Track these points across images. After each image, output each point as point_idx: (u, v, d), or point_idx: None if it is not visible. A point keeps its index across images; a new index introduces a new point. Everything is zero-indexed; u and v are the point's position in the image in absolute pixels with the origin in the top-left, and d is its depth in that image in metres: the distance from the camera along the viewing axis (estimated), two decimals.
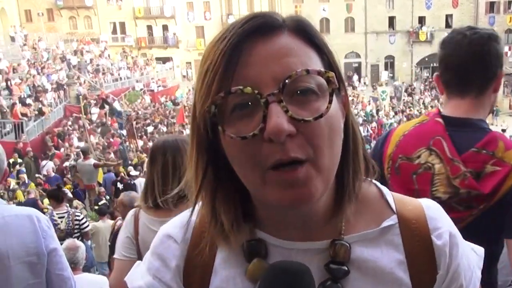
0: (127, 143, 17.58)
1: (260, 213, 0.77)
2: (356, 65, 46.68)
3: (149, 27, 45.73)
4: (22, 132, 17.44)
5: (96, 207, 9.93)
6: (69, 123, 21.02)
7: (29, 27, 38.91)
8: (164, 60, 43.71)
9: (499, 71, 1.62)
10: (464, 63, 1.59)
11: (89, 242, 6.68)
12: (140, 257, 2.22)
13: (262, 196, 0.68)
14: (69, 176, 13.19)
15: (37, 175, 13.70)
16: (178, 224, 0.83)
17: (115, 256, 2.29)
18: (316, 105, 0.65)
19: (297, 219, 0.75)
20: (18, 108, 18.65)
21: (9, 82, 21.53)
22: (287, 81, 0.64)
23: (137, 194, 5.55)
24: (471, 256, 0.82)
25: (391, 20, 44.56)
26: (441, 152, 1.57)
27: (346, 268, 0.74)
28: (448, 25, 42.86)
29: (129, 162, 15.00)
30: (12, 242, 1.87)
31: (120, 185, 12.30)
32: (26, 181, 12.38)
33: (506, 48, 45.33)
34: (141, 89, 33.00)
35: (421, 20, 44.36)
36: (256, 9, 45.75)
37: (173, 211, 2.18)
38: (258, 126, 0.64)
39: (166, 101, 32.52)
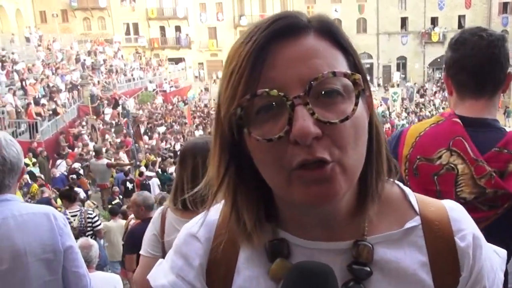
0: (136, 144, 17.68)
1: (283, 213, 0.77)
2: (368, 66, 46.38)
3: (162, 28, 46.01)
4: (37, 131, 17.64)
5: (110, 206, 9.99)
6: (83, 123, 21.22)
7: (43, 28, 39.36)
8: (177, 60, 43.94)
9: (508, 72, 1.65)
10: (482, 64, 1.61)
11: (102, 241, 6.72)
12: (164, 255, 2.25)
13: (288, 195, 0.68)
14: (73, 176, 13.22)
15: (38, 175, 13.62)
16: (201, 223, 0.83)
17: (141, 252, 2.34)
18: (342, 107, 0.65)
19: (320, 219, 0.74)
20: (33, 108, 18.86)
21: (24, 83, 21.79)
22: (313, 83, 0.63)
23: (150, 194, 5.59)
24: (494, 258, 0.81)
25: (403, 21, 44.31)
26: (464, 153, 1.56)
27: (369, 269, 0.73)
28: (460, 26, 42.44)
29: (137, 163, 15.03)
30: (30, 240, 1.89)
31: (129, 185, 12.41)
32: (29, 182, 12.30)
33: None
34: (153, 90, 33.22)
35: (434, 21, 44.03)
36: (268, 10, 45.92)
37: (200, 212, 2.22)
38: (283, 128, 0.64)
39: (179, 102, 32.70)
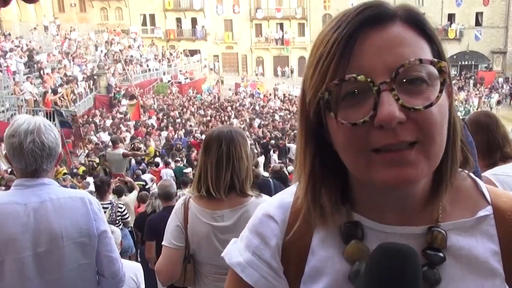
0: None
1: (358, 196, 0.80)
2: None
3: (178, 20, 46.03)
4: (54, 120, 17.82)
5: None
6: (97, 112, 21.35)
7: (61, 17, 39.61)
8: (192, 52, 43.99)
9: None
10: None
11: (127, 230, 6.78)
12: (187, 246, 2.29)
13: (368, 177, 0.70)
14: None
15: None
16: (277, 205, 0.86)
17: (164, 243, 2.32)
18: (426, 94, 0.67)
19: (395, 203, 0.76)
20: (50, 96, 19.05)
21: (41, 71, 22.02)
22: (399, 70, 0.66)
23: (172, 182, 5.62)
24: None
25: None
26: None
27: (443, 255, 0.75)
28: (478, 23, 41.85)
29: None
30: (66, 223, 1.93)
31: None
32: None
33: None
34: (168, 81, 33.32)
35: (451, 18, 43.38)
36: (284, 3, 45.70)
37: (224, 200, 2.25)
38: (368, 113, 0.66)
39: (196, 94, 32.73)
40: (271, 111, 27.55)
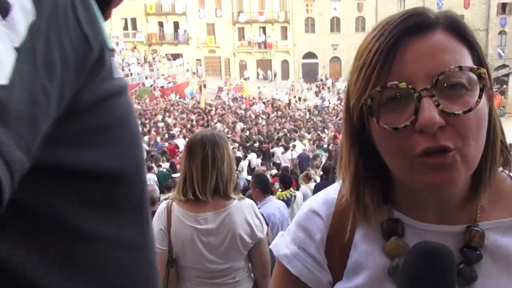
0: None
1: (399, 195, 0.84)
2: None
3: (160, 24, 45.92)
4: None
5: None
6: None
7: None
8: (175, 56, 43.88)
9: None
10: None
11: None
12: (170, 250, 2.28)
13: (410, 180, 0.74)
14: None
15: None
16: (322, 201, 0.91)
17: None
18: (466, 99, 0.70)
19: (435, 203, 0.80)
20: None
21: None
22: (440, 77, 0.68)
23: (155, 187, 5.59)
24: None
25: None
26: None
27: (479, 253, 0.78)
28: None
29: None
30: None
31: None
32: None
33: None
34: (151, 85, 33.16)
35: None
36: (267, 7, 45.89)
37: (208, 203, 2.25)
38: (409, 118, 0.69)
39: (179, 98, 32.65)
40: (254, 115, 27.58)
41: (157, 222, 2.30)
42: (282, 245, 0.91)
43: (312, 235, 0.89)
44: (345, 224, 0.86)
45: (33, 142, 0.42)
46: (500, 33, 43.97)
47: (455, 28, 0.74)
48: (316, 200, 0.93)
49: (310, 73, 45.43)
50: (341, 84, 39.78)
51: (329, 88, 42.35)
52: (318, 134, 20.94)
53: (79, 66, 0.47)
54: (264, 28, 46.11)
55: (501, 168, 0.83)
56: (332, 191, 0.91)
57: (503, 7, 44.29)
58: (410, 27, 0.71)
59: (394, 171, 0.77)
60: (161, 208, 2.36)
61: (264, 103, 32.60)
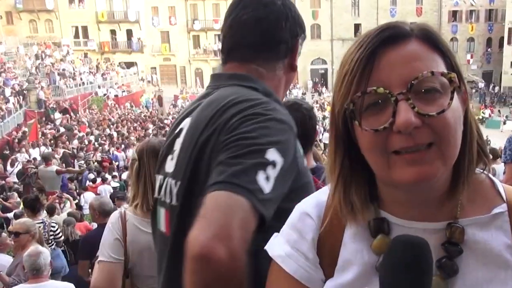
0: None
1: (384, 195, 0.90)
2: (323, 71, 47.39)
3: (113, 32, 45.08)
4: None
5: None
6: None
7: None
8: (128, 65, 43.14)
9: None
10: None
11: (60, 250, 6.49)
12: (127, 259, 2.21)
13: (388, 177, 0.80)
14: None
15: None
16: (312, 204, 0.97)
17: (101, 258, 2.21)
18: (440, 102, 0.77)
19: (416, 200, 0.85)
20: None
21: None
22: (414, 82, 0.76)
23: (108, 199, 5.40)
24: None
25: (357, 28, 45.14)
26: None
27: (460, 248, 0.84)
28: None
29: None
30: None
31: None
32: None
33: (468, 56, 47.18)
34: (104, 94, 32.39)
35: None
36: (222, 14, 45.73)
37: None
38: (388, 120, 0.77)
39: (134, 107, 32.03)
40: None
41: (111, 232, 2.25)
42: (276, 246, 0.96)
43: (304, 235, 0.94)
44: (334, 223, 0.92)
45: (273, 210, 1.02)
46: (452, 39, 45.92)
47: (428, 38, 0.82)
48: (308, 202, 0.99)
49: None
50: (298, 91, 40.25)
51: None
52: None
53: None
54: (219, 36, 45.93)
55: (481, 170, 0.90)
56: (323, 193, 0.98)
57: (453, 14, 46.35)
58: (386, 38, 0.80)
59: (375, 170, 0.83)
60: (114, 217, 2.31)
61: None
